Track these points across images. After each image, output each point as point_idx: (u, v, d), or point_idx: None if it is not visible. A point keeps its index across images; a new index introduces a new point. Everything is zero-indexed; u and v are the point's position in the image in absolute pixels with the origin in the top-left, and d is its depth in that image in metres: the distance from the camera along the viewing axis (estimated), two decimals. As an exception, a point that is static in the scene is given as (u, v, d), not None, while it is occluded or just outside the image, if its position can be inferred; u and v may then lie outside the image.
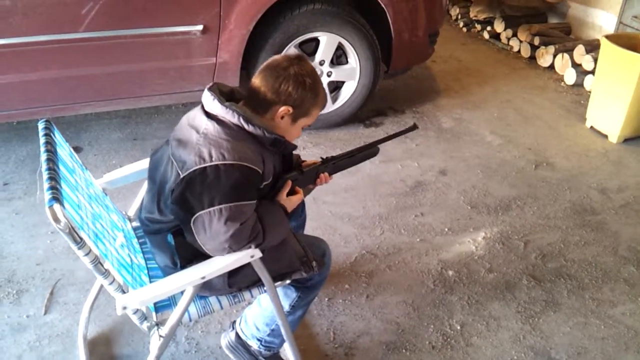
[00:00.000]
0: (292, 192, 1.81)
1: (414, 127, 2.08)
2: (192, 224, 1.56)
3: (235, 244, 1.56)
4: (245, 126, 1.58)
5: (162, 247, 1.73)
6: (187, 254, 1.67)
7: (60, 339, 2.21)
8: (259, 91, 1.63)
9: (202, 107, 1.66)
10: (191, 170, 1.53)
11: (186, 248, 1.66)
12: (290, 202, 1.77)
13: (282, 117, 1.66)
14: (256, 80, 1.65)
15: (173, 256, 1.71)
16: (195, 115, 1.66)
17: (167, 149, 1.68)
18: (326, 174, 1.93)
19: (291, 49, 3.36)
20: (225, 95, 1.69)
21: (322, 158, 1.93)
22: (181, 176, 1.55)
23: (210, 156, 1.53)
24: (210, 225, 1.53)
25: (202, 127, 1.60)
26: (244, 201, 1.55)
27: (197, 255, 1.64)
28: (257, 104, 1.64)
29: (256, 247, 1.61)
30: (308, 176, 1.86)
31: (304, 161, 1.94)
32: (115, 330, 2.26)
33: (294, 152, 1.94)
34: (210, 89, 1.65)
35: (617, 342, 2.27)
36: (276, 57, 1.67)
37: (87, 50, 2.98)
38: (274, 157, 1.71)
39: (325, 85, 3.59)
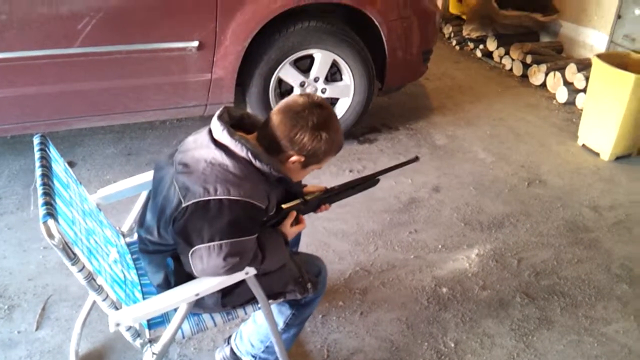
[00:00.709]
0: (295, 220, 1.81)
1: (415, 159, 2.07)
2: (190, 256, 1.55)
3: (233, 271, 1.58)
4: (253, 161, 1.56)
5: (157, 267, 1.72)
6: (182, 277, 1.66)
7: (52, 355, 2.19)
8: (274, 134, 1.60)
9: (210, 132, 1.63)
10: (194, 201, 1.52)
11: (181, 272, 1.66)
12: (291, 231, 1.77)
13: (293, 163, 1.65)
14: (273, 121, 1.61)
15: (168, 276, 1.70)
16: (202, 141, 1.63)
17: (170, 169, 1.65)
18: (327, 205, 1.93)
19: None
20: (235, 121, 1.68)
21: (326, 188, 1.91)
22: (183, 205, 1.54)
23: (215, 190, 1.51)
24: (209, 259, 1.53)
25: (210, 157, 1.58)
26: (245, 237, 1.55)
27: (191, 277, 1.64)
28: (270, 145, 1.62)
29: (254, 269, 1.62)
30: (310, 206, 1.86)
31: (305, 185, 1.93)
32: (108, 347, 2.24)
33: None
34: (220, 118, 1.62)
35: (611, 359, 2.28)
36: (297, 99, 1.63)
37: (82, 65, 2.98)
38: (278, 190, 1.70)
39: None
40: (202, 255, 1.53)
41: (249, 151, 1.56)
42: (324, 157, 1.67)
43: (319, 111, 1.60)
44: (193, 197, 1.52)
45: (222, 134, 1.59)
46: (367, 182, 1.99)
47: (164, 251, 1.68)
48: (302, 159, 1.63)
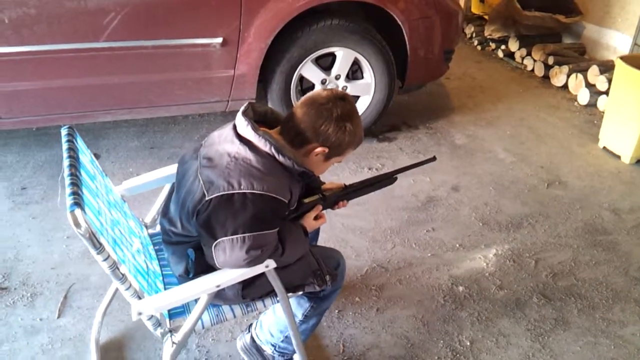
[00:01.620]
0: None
1: (432, 159, 2.09)
2: (212, 247, 1.58)
3: (255, 263, 1.61)
4: (276, 156, 1.59)
5: (180, 257, 1.76)
6: (201, 267, 1.69)
7: (73, 343, 2.24)
8: (299, 126, 1.63)
9: (235, 128, 1.66)
10: (218, 195, 1.55)
11: (202, 262, 1.69)
12: (312, 224, 1.80)
13: (316, 155, 1.67)
14: (297, 114, 1.65)
15: (187, 267, 1.73)
16: (227, 136, 1.66)
17: (195, 163, 1.69)
18: (345, 202, 1.95)
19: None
20: (259, 116, 1.71)
21: (345, 185, 1.94)
22: (207, 198, 1.57)
23: (240, 183, 1.54)
24: (232, 252, 1.56)
25: (234, 151, 1.61)
26: (268, 230, 1.58)
27: (210, 269, 1.67)
28: (294, 138, 1.65)
29: (275, 261, 1.65)
30: (329, 201, 1.89)
31: (323, 183, 1.96)
32: (128, 336, 2.29)
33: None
34: (244, 114, 1.65)
35: (627, 362, 2.27)
36: (321, 92, 1.67)
37: (108, 60, 3.03)
38: (300, 185, 1.73)
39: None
40: (225, 247, 1.56)
41: (273, 146, 1.58)
42: (347, 148, 1.70)
43: (342, 103, 1.63)
44: (217, 190, 1.55)
45: (246, 129, 1.61)
46: (385, 180, 2.01)
47: (187, 242, 1.72)
48: (326, 150, 1.65)
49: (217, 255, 1.58)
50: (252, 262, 1.59)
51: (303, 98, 1.68)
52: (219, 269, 1.64)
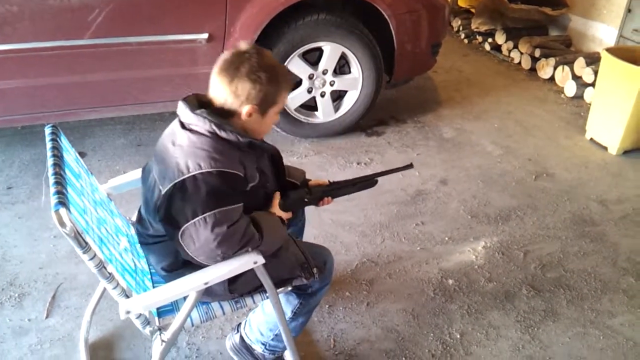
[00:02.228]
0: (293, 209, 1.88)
1: (410, 166, 2.09)
2: (180, 239, 1.56)
3: (228, 249, 1.56)
4: (218, 132, 1.57)
5: (160, 255, 1.75)
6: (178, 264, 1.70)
7: (62, 343, 2.22)
8: (219, 97, 1.62)
9: (179, 118, 1.65)
10: (170, 185, 1.54)
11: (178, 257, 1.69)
12: (281, 212, 1.79)
13: (250, 115, 1.63)
14: (212, 86, 1.63)
15: (172, 262, 1.72)
16: (172, 128, 1.66)
17: (152, 163, 1.70)
18: (329, 198, 1.95)
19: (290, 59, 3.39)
20: (205, 105, 1.67)
21: (329, 182, 1.95)
22: (162, 192, 1.56)
23: (187, 167, 1.53)
24: (198, 236, 1.53)
25: (178, 139, 1.60)
26: (228, 206, 1.54)
27: (187, 265, 1.67)
28: (222, 110, 1.63)
29: (255, 249, 1.61)
30: (314, 196, 1.91)
31: (309, 180, 1.96)
32: (117, 335, 2.27)
33: (301, 168, 1.99)
34: (185, 99, 1.64)
35: (616, 352, 2.28)
36: (225, 56, 1.62)
37: (92, 57, 3.00)
38: (260, 160, 1.71)
39: (327, 95, 3.62)
40: (191, 233, 1.53)
41: (212, 123, 1.57)
42: (277, 96, 1.65)
43: (247, 56, 1.59)
44: (169, 181, 1.55)
45: (185, 113, 1.61)
46: (366, 182, 2.03)
47: (162, 240, 1.71)
48: (256, 107, 1.62)
49: (187, 245, 1.56)
50: (224, 242, 1.54)
51: (213, 70, 1.64)
52: (201, 264, 1.62)
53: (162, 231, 1.68)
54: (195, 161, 1.53)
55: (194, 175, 1.52)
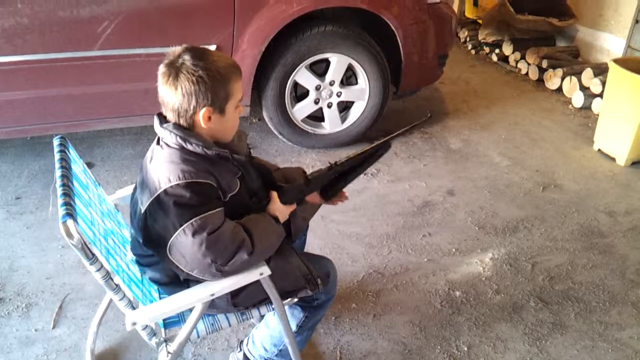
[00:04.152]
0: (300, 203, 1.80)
1: (428, 117, 1.96)
2: (170, 256, 1.53)
3: (219, 257, 1.51)
4: (184, 144, 1.55)
5: (159, 273, 1.72)
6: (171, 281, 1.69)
7: (68, 354, 2.23)
8: (172, 111, 1.57)
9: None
10: (147, 204, 1.53)
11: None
12: (281, 210, 1.73)
13: (209, 119, 1.58)
14: (163, 102, 1.59)
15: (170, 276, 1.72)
16: (152, 144, 1.65)
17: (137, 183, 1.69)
18: (344, 192, 1.85)
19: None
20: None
21: (329, 163, 1.85)
22: (142, 211, 1.55)
23: (159, 184, 1.51)
24: (184, 247, 1.50)
25: (154, 155, 1.60)
26: (205, 213, 1.51)
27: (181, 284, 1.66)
28: (180, 121, 1.58)
29: (249, 255, 1.55)
30: (315, 184, 1.81)
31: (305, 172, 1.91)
32: (123, 346, 2.27)
33: (299, 166, 1.94)
34: (159, 114, 1.62)
35: (625, 366, 2.27)
36: (161, 69, 1.57)
37: (102, 68, 3.03)
38: (243, 169, 1.67)
39: (334, 106, 3.63)
40: (177, 247, 1.51)
41: (178, 136, 1.54)
42: (227, 89, 1.58)
43: (181, 62, 1.53)
44: (146, 201, 1.54)
45: (156, 127, 1.60)
46: (379, 149, 1.91)
47: (158, 261, 1.68)
48: (210, 108, 1.56)
49: (179, 262, 1.53)
50: (211, 251, 1.50)
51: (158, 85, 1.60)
52: (199, 279, 1.59)
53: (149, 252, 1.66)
54: (166, 175, 1.51)
55: (164, 190, 1.50)
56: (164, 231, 1.51)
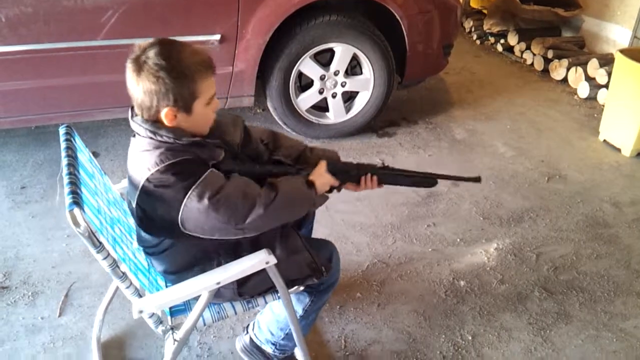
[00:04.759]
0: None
1: (477, 180, 1.97)
2: (187, 231, 1.51)
3: (232, 216, 1.50)
4: (153, 137, 1.52)
5: (168, 262, 1.72)
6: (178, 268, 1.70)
7: (74, 341, 2.24)
8: (137, 104, 1.54)
9: None
10: (137, 198, 1.51)
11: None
12: (322, 179, 1.71)
13: (175, 117, 1.52)
14: (131, 96, 1.54)
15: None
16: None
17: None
18: (375, 178, 1.83)
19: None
20: None
21: (383, 163, 1.86)
22: (133, 205, 1.54)
23: (140, 175, 1.50)
24: (197, 216, 1.48)
25: (133, 148, 1.58)
26: (200, 177, 1.48)
27: (199, 259, 1.67)
28: (147, 117, 1.54)
29: (265, 209, 1.52)
30: (363, 172, 1.82)
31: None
32: (129, 334, 2.28)
33: (334, 150, 1.92)
34: (131, 108, 1.60)
35: (629, 355, 2.27)
36: (127, 64, 1.50)
37: (106, 58, 3.02)
38: (228, 150, 1.64)
39: (339, 96, 3.63)
40: (190, 219, 1.49)
41: (147, 129, 1.52)
42: (190, 89, 1.51)
43: (144, 59, 1.47)
44: (134, 196, 1.52)
45: (129, 119, 1.59)
46: (425, 179, 1.92)
47: (166, 248, 1.68)
48: (174, 108, 1.50)
49: (196, 232, 1.51)
50: (222, 207, 1.48)
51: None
52: (218, 250, 1.60)
53: (153, 240, 1.65)
54: (145, 166, 1.49)
55: (147, 179, 1.48)
56: (168, 214, 1.49)
